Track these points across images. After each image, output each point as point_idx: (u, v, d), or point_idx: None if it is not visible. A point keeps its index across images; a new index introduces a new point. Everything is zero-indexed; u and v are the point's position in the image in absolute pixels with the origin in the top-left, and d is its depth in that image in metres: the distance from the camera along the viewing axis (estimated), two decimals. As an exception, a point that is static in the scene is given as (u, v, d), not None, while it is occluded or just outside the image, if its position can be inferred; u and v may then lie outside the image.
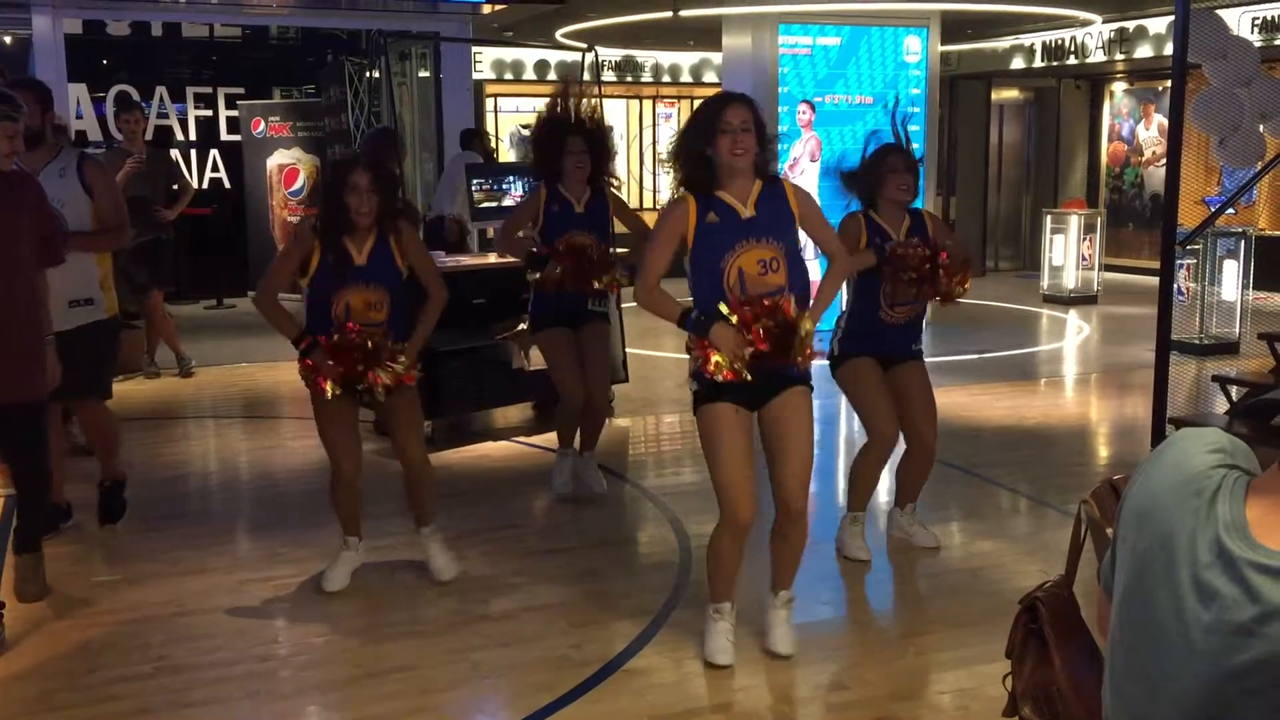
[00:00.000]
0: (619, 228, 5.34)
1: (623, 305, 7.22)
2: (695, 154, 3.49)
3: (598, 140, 5.12)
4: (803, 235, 3.61)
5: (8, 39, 10.54)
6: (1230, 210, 7.67)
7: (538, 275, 4.99)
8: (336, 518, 4.25)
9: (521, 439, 6.49)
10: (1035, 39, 13.41)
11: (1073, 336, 10.14)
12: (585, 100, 5.23)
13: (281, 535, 4.70)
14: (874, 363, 4.45)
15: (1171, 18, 6.78)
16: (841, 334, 4.50)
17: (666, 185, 15.16)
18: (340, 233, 3.99)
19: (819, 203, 3.76)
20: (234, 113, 12.32)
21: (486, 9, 10.29)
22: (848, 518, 4.62)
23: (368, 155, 7.67)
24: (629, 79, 14.64)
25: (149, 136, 8.57)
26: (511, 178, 7.30)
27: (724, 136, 3.42)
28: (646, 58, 14.60)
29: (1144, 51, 12.32)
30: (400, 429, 4.20)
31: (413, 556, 4.60)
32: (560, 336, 5.10)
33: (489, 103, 14.13)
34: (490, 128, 13.60)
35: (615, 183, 5.24)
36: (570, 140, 5.02)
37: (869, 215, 4.42)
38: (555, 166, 5.04)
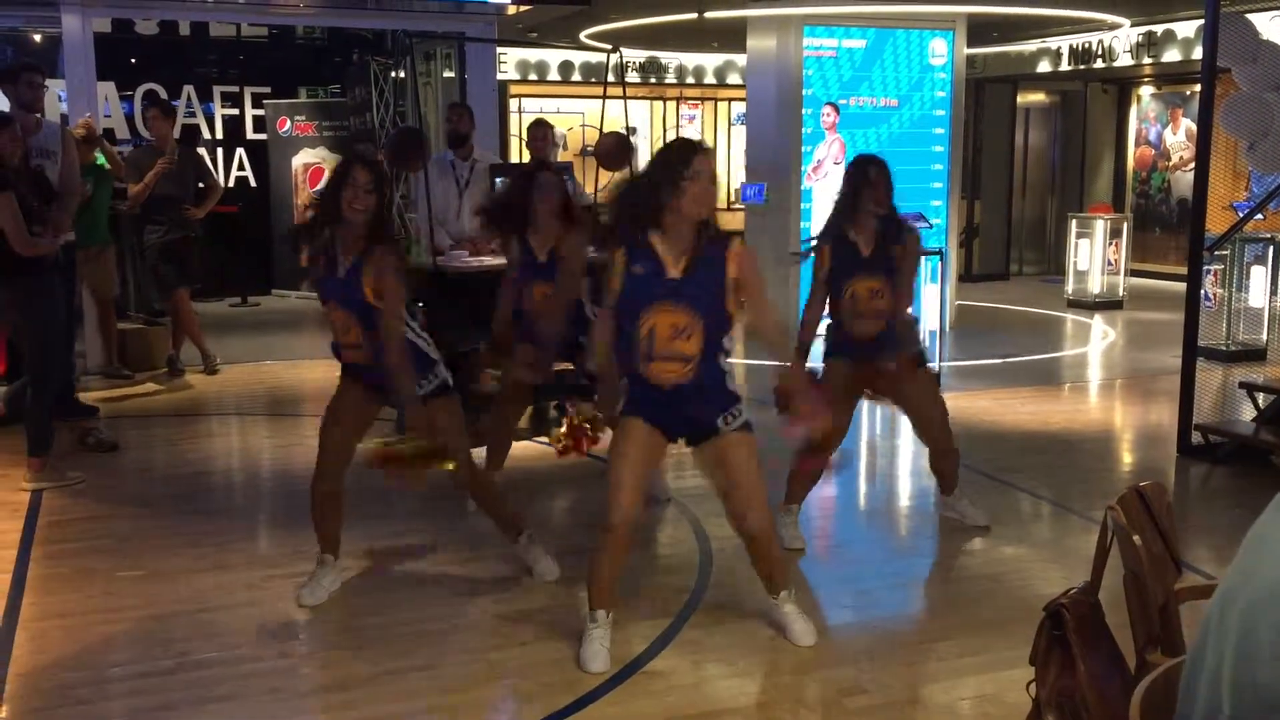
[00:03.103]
0: None
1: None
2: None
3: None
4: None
5: (37, 37, 10.63)
6: (1259, 216, 7.60)
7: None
8: (339, 521, 4.19)
9: (541, 439, 6.49)
10: (1062, 42, 13.33)
11: (1098, 342, 10.07)
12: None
13: (303, 532, 4.69)
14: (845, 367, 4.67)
15: (1200, 21, 6.73)
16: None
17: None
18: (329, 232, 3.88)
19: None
20: (260, 112, 12.39)
21: (511, 10, 10.30)
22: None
23: (393, 155, 7.69)
24: (653, 80, 14.63)
25: (175, 135, 8.62)
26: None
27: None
28: (670, 59, 14.59)
29: (1172, 55, 12.22)
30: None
31: (432, 555, 4.61)
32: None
33: (513, 103, 14.16)
34: (514, 128, 13.63)
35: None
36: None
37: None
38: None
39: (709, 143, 15.15)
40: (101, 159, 7.77)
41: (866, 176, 4.53)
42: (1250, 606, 1.23)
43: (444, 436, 3.91)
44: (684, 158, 3.40)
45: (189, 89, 12.06)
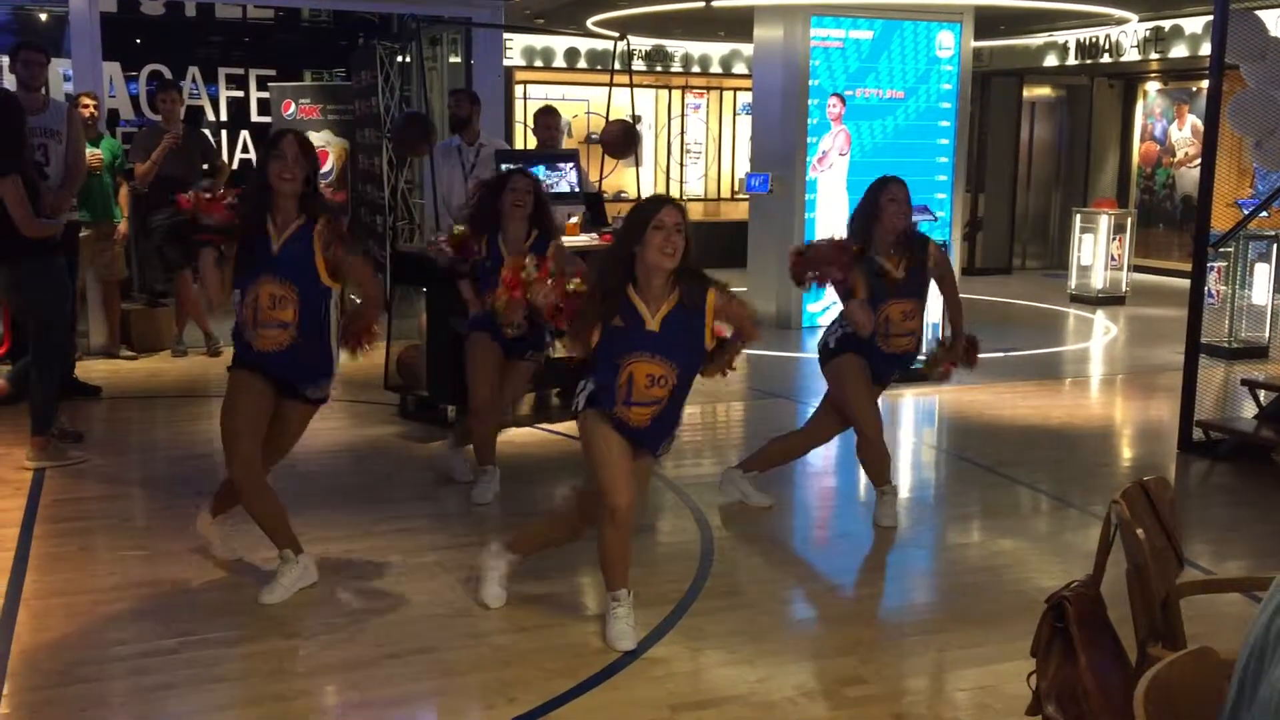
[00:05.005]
0: None
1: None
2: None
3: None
4: None
5: (44, 16, 10.62)
6: (1263, 214, 7.59)
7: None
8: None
9: (545, 425, 6.50)
10: (1069, 36, 13.30)
11: (1099, 337, 10.08)
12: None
13: (303, 515, 4.70)
14: (864, 363, 4.70)
15: (1209, 18, 6.71)
16: (840, 333, 4.71)
17: (695, 176, 15.19)
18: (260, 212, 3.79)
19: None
20: (265, 94, 12.37)
21: (518, -5, 10.30)
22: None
23: (399, 139, 7.68)
24: (659, 69, 14.60)
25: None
26: (542, 166, 7.29)
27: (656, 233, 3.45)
28: (677, 48, 14.56)
29: (1179, 51, 12.20)
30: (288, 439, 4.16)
31: (435, 538, 4.63)
32: (490, 345, 5.01)
33: (518, 89, 14.14)
34: (519, 115, 13.62)
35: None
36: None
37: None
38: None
39: (713, 132, 15.17)
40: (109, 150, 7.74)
41: (891, 195, 4.55)
42: None
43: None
44: (652, 209, 3.49)
45: (194, 70, 12.07)
